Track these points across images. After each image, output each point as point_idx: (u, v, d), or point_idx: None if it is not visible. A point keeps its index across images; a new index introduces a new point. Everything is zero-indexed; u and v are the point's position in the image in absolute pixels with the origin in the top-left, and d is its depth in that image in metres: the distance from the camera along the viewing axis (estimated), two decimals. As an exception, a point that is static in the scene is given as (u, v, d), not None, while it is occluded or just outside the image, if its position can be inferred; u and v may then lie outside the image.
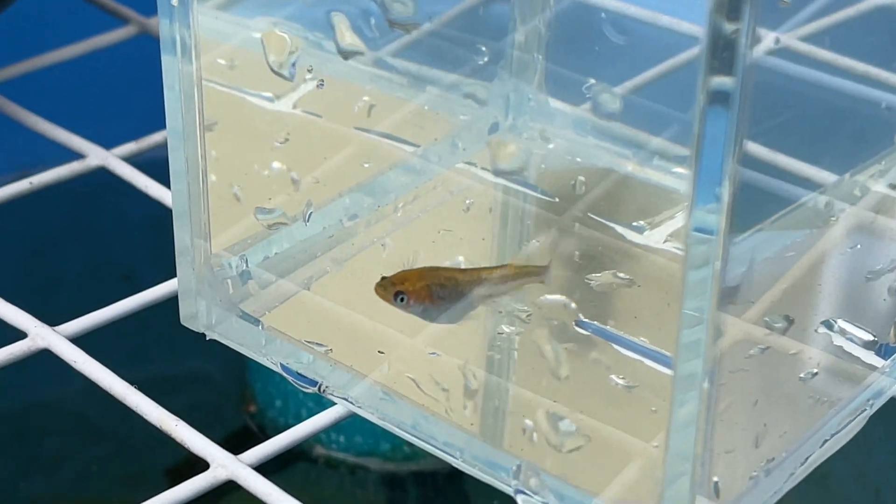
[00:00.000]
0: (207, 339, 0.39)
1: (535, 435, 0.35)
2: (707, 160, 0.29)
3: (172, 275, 0.42)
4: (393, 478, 0.63)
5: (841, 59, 0.37)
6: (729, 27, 0.27)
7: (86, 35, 0.51)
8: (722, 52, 0.28)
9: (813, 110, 0.39)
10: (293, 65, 0.36)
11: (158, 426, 0.37)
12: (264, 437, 0.37)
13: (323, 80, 0.38)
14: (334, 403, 0.37)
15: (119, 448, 0.67)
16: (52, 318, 0.41)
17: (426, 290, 0.36)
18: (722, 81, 0.28)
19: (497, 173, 0.38)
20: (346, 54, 0.36)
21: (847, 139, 0.39)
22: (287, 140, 0.38)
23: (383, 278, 0.36)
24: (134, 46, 0.53)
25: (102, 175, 0.47)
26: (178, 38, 0.36)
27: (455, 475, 0.64)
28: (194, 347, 0.66)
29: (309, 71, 0.37)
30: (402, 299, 0.35)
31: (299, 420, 0.37)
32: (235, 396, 0.66)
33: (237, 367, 0.66)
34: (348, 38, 0.36)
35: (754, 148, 0.35)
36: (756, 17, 0.27)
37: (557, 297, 0.38)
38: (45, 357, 0.39)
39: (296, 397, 0.63)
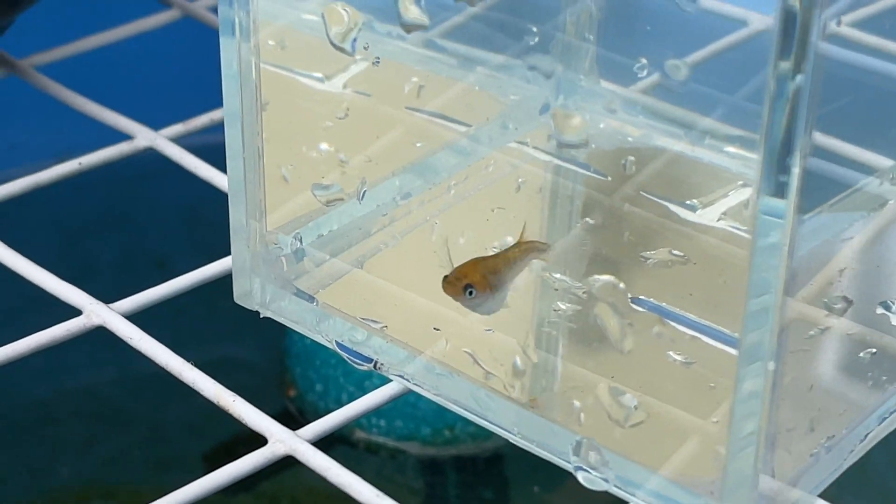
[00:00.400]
0: (262, 316, 0.39)
1: (589, 410, 0.35)
2: (776, 145, 0.29)
3: (207, 262, 0.42)
4: (433, 462, 0.63)
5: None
6: (800, 12, 0.27)
7: (130, 18, 0.52)
8: (793, 38, 0.28)
9: (867, 95, 0.39)
10: (355, 40, 0.36)
11: (216, 402, 0.37)
12: (305, 421, 0.37)
13: (378, 58, 0.38)
14: (377, 388, 0.37)
15: (150, 435, 0.67)
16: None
17: (486, 280, 0.36)
18: (792, 68, 0.28)
19: (561, 146, 0.38)
20: (409, 27, 0.36)
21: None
22: (347, 115, 0.38)
23: (446, 276, 0.36)
24: (177, 30, 0.53)
25: (137, 163, 0.47)
26: (236, 20, 0.36)
27: (494, 460, 0.64)
28: (232, 332, 0.67)
29: (365, 48, 0.37)
30: (470, 293, 0.35)
31: (340, 405, 0.38)
32: (275, 381, 0.66)
33: (276, 351, 0.67)
34: (413, 12, 0.36)
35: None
36: (826, 2, 0.27)
37: (608, 277, 0.38)
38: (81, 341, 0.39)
39: (336, 382, 0.63)
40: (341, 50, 0.36)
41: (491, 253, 0.37)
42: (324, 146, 0.39)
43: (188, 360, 0.38)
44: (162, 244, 0.73)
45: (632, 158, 0.41)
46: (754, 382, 0.31)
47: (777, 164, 0.29)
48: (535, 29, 0.41)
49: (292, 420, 0.62)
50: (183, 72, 0.67)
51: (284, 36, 0.39)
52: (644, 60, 0.40)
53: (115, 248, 0.72)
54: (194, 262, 0.43)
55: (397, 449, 0.63)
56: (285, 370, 0.65)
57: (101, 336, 0.40)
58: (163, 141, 0.46)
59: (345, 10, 0.36)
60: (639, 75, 0.40)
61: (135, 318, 0.39)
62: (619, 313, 0.35)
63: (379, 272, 0.39)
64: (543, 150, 0.41)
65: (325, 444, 0.37)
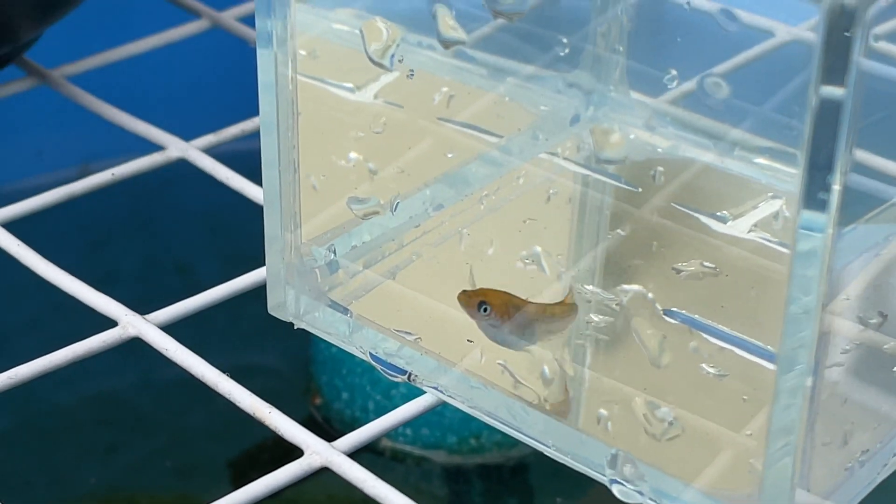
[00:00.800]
0: (296, 328, 0.40)
1: (623, 423, 0.35)
2: (818, 160, 0.29)
3: (228, 268, 0.42)
4: (458, 471, 0.63)
5: None
6: (845, 32, 0.27)
7: (159, 29, 0.52)
8: (837, 55, 0.28)
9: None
10: (392, 56, 0.36)
11: (251, 413, 0.37)
12: (331, 429, 0.37)
13: (413, 71, 0.38)
14: (404, 398, 0.37)
15: (174, 441, 0.67)
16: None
17: (505, 307, 0.36)
18: (835, 88, 0.28)
19: (599, 162, 0.38)
20: (448, 44, 0.36)
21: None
22: (383, 129, 0.38)
23: (464, 291, 0.36)
24: (205, 41, 0.54)
25: (161, 170, 0.47)
26: (273, 31, 0.36)
27: (520, 469, 0.64)
28: (258, 339, 0.67)
29: (400, 61, 0.38)
30: (485, 309, 0.36)
31: (366, 413, 0.38)
32: (300, 389, 0.66)
33: (302, 359, 0.67)
34: (452, 30, 0.36)
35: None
36: (870, 19, 0.28)
37: (636, 287, 0.38)
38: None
39: (363, 390, 0.63)
40: (380, 65, 0.36)
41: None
42: (354, 157, 0.40)
43: (214, 366, 0.38)
44: (184, 250, 0.73)
45: (661, 169, 0.41)
46: (791, 396, 0.31)
47: (818, 180, 0.29)
48: (565, 40, 0.42)
49: (318, 428, 0.63)
50: (212, 81, 0.67)
51: (315, 46, 0.39)
52: (674, 72, 0.40)
53: (137, 254, 0.73)
54: (215, 269, 0.43)
55: (423, 457, 0.63)
56: (311, 378, 0.66)
57: (126, 343, 0.40)
58: (195, 152, 0.46)
59: (383, 25, 0.36)
60: (668, 86, 0.41)
61: (164, 326, 0.40)
62: (656, 327, 0.35)
63: (412, 283, 0.39)
64: (574, 161, 0.41)
65: (350, 452, 0.37)
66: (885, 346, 0.36)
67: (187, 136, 0.48)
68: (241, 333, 0.66)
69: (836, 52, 0.28)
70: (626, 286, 0.38)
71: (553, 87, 0.42)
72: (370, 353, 0.38)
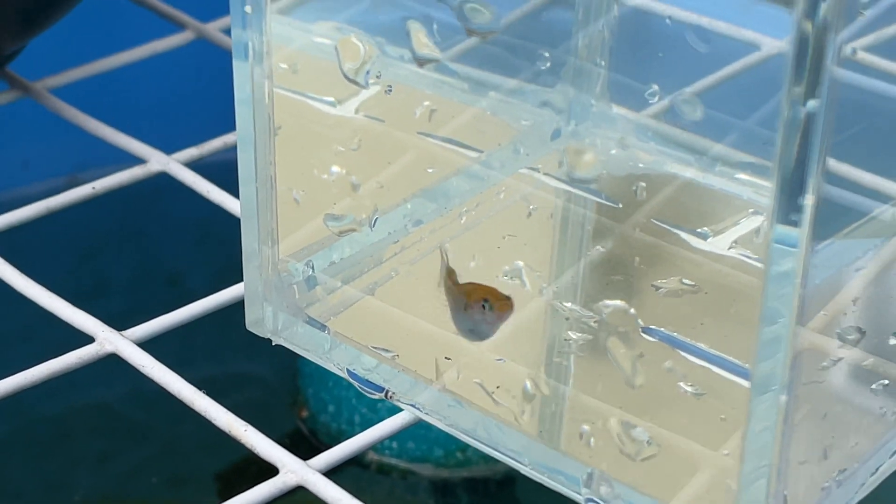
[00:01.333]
0: (273, 344, 0.39)
1: (600, 442, 0.35)
2: (791, 172, 0.29)
3: (219, 279, 0.42)
4: (445, 484, 0.63)
5: None
6: (815, 38, 0.27)
7: (144, 40, 0.52)
8: (808, 65, 0.28)
9: (883, 122, 0.39)
10: (368, 73, 0.36)
11: (227, 431, 0.37)
12: (317, 442, 0.37)
13: (391, 87, 0.38)
14: (390, 411, 0.37)
15: (165, 451, 0.67)
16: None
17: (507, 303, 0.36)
18: (808, 97, 0.28)
19: (573, 181, 0.38)
20: (422, 61, 0.36)
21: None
22: (359, 146, 0.38)
23: (456, 283, 0.36)
24: (191, 52, 0.53)
25: (152, 180, 0.47)
26: (250, 44, 0.36)
27: (506, 482, 0.64)
28: (245, 353, 0.67)
29: (378, 76, 0.37)
30: (484, 306, 0.35)
31: (352, 426, 0.38)
32: (287, 401, 0.66)
33: (289, 372, 0.67)
34: (426, 47, 0.36)
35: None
36: (842, 29, 0.27)
37: (619, 303, 0.38)
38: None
39: (349, 403, 0.63)
40: (354, 82, 0.36)
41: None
42: (336, 171, 0.39)
43: (201, 380, 0.38)
44: (175, 261, 0.73)
45: (643, 185, 0.41)
46: (766, 415, 0.31)
47: (791, 192, 0.29)
48: (546, 54, 0.41)
49: (304, 441, 0.63)
50: (197, 93, 0.67)
51: (296, 59, 0.39)
52: (655, 86, 0.40)
53: (128, 266, 0.72)
54: (207, 281, 0.43)
55: (409, 471, 0.63)
56: (298, 390, 0.65)
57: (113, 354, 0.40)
58: (176, 165, 0.46)
59: (358, 42, 0.36)
60: (650, 101, 0.40)
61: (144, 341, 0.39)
62: (631, 346, 0.35)
63: (391, 300, 0.39)
64: (554, 177, 0.41)
65: (335, 466, 0.37)
66: (864, 363, 0.35)
67: (174, 147, 0.47)
68: (230, 344, 0.66)
69: (806, 59, 0.28)
70: (606, 302, 0.38)
71: (535, 101, 0.42)
72: (348, 370, 0.38)
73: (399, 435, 0.62)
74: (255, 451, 0.36)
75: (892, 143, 0.39)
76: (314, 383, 0.64)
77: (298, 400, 0.65)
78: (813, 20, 0.27)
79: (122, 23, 0.59)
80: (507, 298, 0.36)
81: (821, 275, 0.34)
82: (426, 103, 0.41)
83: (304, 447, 0.58)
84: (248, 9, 0.35)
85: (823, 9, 0.27)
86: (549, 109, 0.42)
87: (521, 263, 0.40)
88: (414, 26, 0.36)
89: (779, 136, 0.29)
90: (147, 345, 0.40)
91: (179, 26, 0.53)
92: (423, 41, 0.35)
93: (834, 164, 0.35)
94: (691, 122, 0.40)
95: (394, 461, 0.62)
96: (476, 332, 0.36)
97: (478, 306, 0.36)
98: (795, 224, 0.29)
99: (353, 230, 0.38)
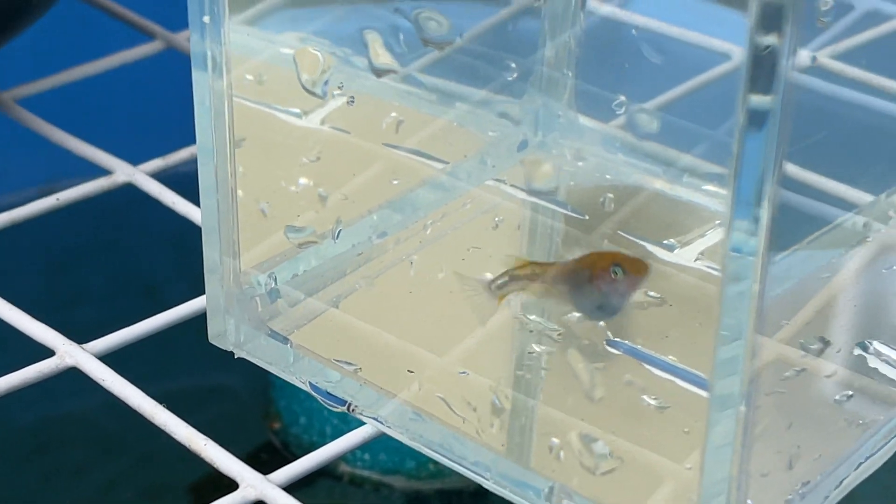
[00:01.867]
0: (236, 357, 0.39)
1: (563, 455, 0.34)
2: (746, 179, 0.28)
3: (196, 289, 0.41)
4: (417, 496, 0.62)
5: (877, 78, 0.37)
6: (769, 45, 0.27)
7: (112, 50, 0.51)
8: (762, 71, 0.27)
9: (849, 129, 0.38)
10: (326, 83, 0.36)
11: (187, 445, 0.36)
12: (288, 454, 0.37)
13: (353, 98, 0.37)
14: (361, 422, 0.37)
15: (142, 462, 0.67)
16: (77, 332, 0.41)
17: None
18: (762, 100, 0.28)
19: (531, 193, 0.37)
20: (379, 72, 0.36)
21: (883, 159, 0.39)
22: (318, 158, 0.38)
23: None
24: (161, 62, 0.53)
25: (128, 190, 0.47)
26: (209, 53, 0.36)
27: (479, 494, 0.63)
28: (218, 364, 0.66)
29: (339, 88, 0.37)
30: (615, 273, 0.34)
31: (324, 437, 0.37)
32: (259, 413, 0.65)
33: (261, 383, 0.66)
34: (382, 57, 0.35)
35: (790, 167, 0.35)
36: (797, 35, 0.27)
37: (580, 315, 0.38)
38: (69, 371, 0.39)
39: (320, 415, 0.62)
40: (312, 93, 0.36)
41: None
42: (302, 182, 0.39)
43: (174, 391, 0.38)
44: (151, 271, 0.73)
45: (611, 196, 0.40)
46: (725, 428, 0.30)
47: (746, 200, 0.29)
48: (513, 65, 0.41)
49: (276, 454, 0.62)
50: (167, 103, 0.67)
51: (262, 71, 0.39)
52: (622, 97, 0.40)
53: (103, 276, 0.72)
54: (183, 290, 0.42)
55: (382, 482, 0.62)
56: (270, 402, 0.65)
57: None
58: (142, 176, 0.46)
59: (316, 53, 0.36)
60: (617, 112, 0.40)
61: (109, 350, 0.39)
62: (591, 359, 0.35)
63: (355, 312, 0.39)
64: (520, 188, 0.41)
65: (307, 478, 0.36)
66: (827, 373, 0.35)
67: (144, 157, 0.47)
68: (206, 354, 0.66)
69: (762, 67, 0.27)
70: (574, 314, 0.37)
71: (502, 112, 0.42)
72: (310, 383, 0.38)
73: (371, 446, 0.62)
74: (215, 466, 0.36)
75: (857, 150, 0.38)
76: (286, 395, 0.64)
77: (270, 412, 0.64)
78: (766, 26, 0.27)
79: (91, 32, 0.58)
80: (641, 261, 0.34)
81: (783, 284, 0.34)
82: (393, 114, 0.41)
83: (277, 460, 0.57)
84: (206, 19, 0.35)
85: (776, 15, 0.27)
86: (516, 120, 0.41)
87: (489, 275, 0.39)
88: (371, 37, 0.35)
89: (734, 143, 0.28)
90: (119, 356, 0.39)
91: (149, 36, 0.52)
92: (379, 52, 0.35)
93: (798, 172, 0.35)
94: (659, 133, 0.39)
95: (366, 473, 0.62)
96: (605, 308, 0.35)
97: (607, 275, 0.34)
98: (753, 232, 0.29)
99: (314, 242, 0.38)
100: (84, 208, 0.48)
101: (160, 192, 0.45)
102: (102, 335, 0.40)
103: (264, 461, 0.63)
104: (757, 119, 0.28)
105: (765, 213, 0.29)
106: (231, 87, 0.36)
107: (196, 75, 0.36)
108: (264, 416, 0.64)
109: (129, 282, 0.72)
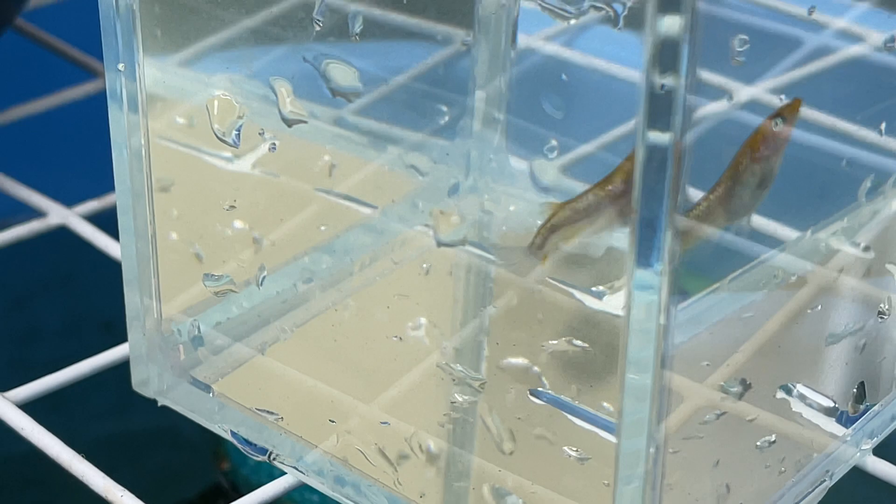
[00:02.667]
0: (159, 405, 0.38)
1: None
2: (644, 215, 0.28)
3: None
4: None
5: (804, 112, 0.36)
6: (664, 84, 0.26)
7: (53, 88, 0.51)
8: (658, 107, 0.27)
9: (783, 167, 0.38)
10: (238, 131, 0.35)
11: (104, 496, 0.36)
12: (237, 496, 0.37)
13: (275, 144, 0.37)
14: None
15: (101, 500, 0.66)
16: (32, 369, 0.41)
17: None
18: (660, 137, 0.27)
19: (440, 244, 0.37)
20: (289, 122, 0.35)
21: (810, 195, 0.38)
22: (238, 205, 0.37)
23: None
24: (98, 100, 0.53)
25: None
26: (124, 93, 0.35)
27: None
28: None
29: (260, 134, 0.37)
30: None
31: (273, 478, 0.37)
32: (209, 453, 0.65)
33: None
34: (289, 106, 0.35)
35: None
36: (695, 73, 0.26)
37: (520, 360, 0.37)
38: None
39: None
40: (224, 142, 0.36)
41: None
42: (234, 226, 0.39)
43: (124, 433, 0.37)
44: (108, 306, 0.72)
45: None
46: (632, 477, 0.30)
47: (646, 236, 0.28)
48: (445, 108, 0.41)
49: (224, 496, 0.62)
50: (104, 143, 0.66)
51: (194, 113, 0.38)
52: (554, 142, 0.39)
53: (61, 311, 0.71)
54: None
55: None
56: (219, 442, 0.64)
57: (48, 399, 0.40)
58: (75, 219, 0.45)
59: (227, 102, 0.35)
60: (549, 156, 0.40)
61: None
62: (509, 410, 0.34)
63: (279, 360, 0.38)
64: (448, 234, 0.40)
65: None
66: (749, 417, 0.34)
67: (81, 197, 0.47)
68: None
69: (659, 106, 0.27)
70: (509, 360, 0.37)
71: (434, 155, 0.41)
72: (232, 432, 0.37)
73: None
74: (131, 518, 0.35)
75: (784, 186, 0.38)
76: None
77: (219, 452, 0.64)
78: (663, 66, 0.26)
79: (29, 70, 0.58)
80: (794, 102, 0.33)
81: (699, 326, 0.34)
82: (326, 158, 0.40)
83: (226, 501, 0.57)
84: (121, 66, 0.35)
85: (672, 55, 0.26)
86: (448, 164, 0.41)
87: (423, 320, 0.39)
88: (279, 84, 0.35)
89: (636, 177, 0.27)
90: (69, 393, 0.39)
91: (91, 74, 0.52)
92: (286, 100, 0.35)
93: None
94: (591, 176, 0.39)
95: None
96: (767, 178, 0.33)
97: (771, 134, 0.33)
98: (654, 268, 0.28)
99: (232, 290, 0.37)
100: (39, 243, 0.47)
101: (93, 235, 0.45)
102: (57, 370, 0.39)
103: (213, 502, 0.63)
104: (656, 156, 0.27)
105: (665, 252, 0.28)
106: (148, 130, 0.36)
107: (112, 117, 0.36)
108: (213, 456, 0.64)
109: (85, 318, 0.71)
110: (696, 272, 0.35)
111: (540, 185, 0.37)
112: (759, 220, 0.36)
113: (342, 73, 0.35)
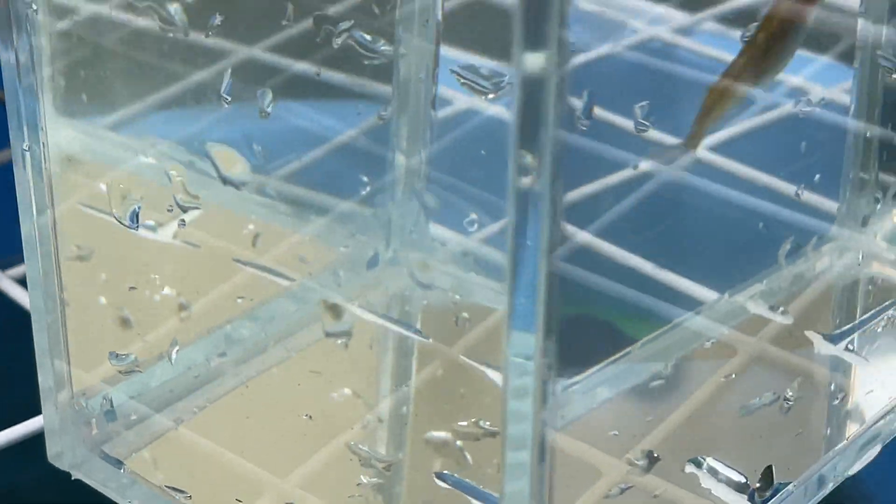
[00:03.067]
0: (73, 478, 0.38)
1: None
2: (522, 278, 0.26)
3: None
4: None
5: (728, 165, 0.35)
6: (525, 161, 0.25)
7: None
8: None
9: (691, 221, 0.37)
10: (136, 214, 0.35)
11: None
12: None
13: (184, 220, 0.37)
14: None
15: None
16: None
17: None
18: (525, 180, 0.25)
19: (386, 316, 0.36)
20: (183, 208, 0.35)
21: (730, 254, 0.37)
22: (178, 272, 0.37)
23: None
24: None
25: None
26: (28, 151, 0.35)
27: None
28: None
29: (169, 210, 0.36)
30: None
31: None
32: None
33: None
34: (181, 194, 0.35)
35: (637, 262, 0.33)
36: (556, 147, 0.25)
37: (445, 435, 0.37)
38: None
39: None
40: (122, 224, 0.35)
41: None
42: (144, 298, 0.38)
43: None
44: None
45: (466, 315, 0.40)
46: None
47: (522, 297, 0.25)
48: (365, 179, 0.41)
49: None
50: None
51: (120, 181, 0.38)
52: (474, 216, 0.39)
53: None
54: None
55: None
56: None
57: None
58: (7, 281, 0.45)
59: (124, 185, 0.35)
60: (469, 230, 0.40)
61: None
62: (414, 492, 0.34)
63: (191, 436, 0.38)
64: (367, 309, 0.40)
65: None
66: (655, 492, 0.34)
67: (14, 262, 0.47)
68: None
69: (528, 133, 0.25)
70: (432, 434, 0.37)
71: (355, 226, 0.41)
72: (140, 510, 0.37)
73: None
74: None
75: (700, 243, 0.36)
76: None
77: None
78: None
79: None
80: None
81: (599, 392, 0.33)
82: (251, 227, 0.40)
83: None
84: (24, 146, 0.35)
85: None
86: (368, 235, 0.41)
87: (348, 390, 0.39)
88: (175, 172, 0.35)
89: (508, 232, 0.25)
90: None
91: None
92: (181, 188, 0.35)
93: (642, 265, 0.33)
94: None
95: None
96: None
97: None
98: (529, 329, 0.25)
99: (137, 370, 0.37)
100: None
101: (25, 299, 0.45)
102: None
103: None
104: (522, 195, 0.25)
105: (539, 308, 0.25)
106: (53, 198, 0.35)
107: (17, 174, 0.35)
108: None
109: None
110: (638, 315, 0.34)
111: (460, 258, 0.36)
112: (675, 280, 0.35)
113: (229, 161, 0.35)
